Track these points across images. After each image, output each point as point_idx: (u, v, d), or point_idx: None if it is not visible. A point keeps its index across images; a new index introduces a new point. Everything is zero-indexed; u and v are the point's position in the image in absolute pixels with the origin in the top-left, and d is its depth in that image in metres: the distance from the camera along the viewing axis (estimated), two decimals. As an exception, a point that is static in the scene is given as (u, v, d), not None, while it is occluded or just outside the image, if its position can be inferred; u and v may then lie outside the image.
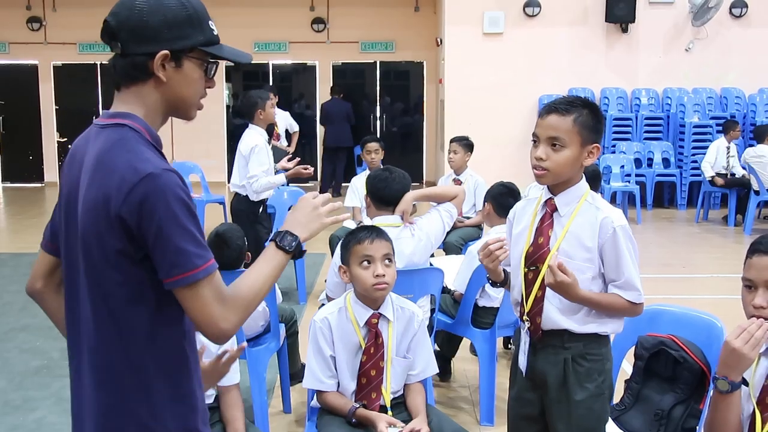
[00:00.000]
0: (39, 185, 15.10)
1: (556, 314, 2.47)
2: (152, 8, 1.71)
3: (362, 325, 2.83)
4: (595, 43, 12.28)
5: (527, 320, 2.52)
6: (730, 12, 12.15)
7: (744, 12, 12.13)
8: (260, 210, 5.87)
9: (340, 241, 3.09)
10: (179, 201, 1.62)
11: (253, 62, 15.30)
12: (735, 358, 2.11)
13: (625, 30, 12.17)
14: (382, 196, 3.65)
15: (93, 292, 1.68)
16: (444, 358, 4.65)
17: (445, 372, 4.69)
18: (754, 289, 2.22)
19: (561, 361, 2.50)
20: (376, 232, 2.91)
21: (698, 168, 10.58)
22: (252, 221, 5.70)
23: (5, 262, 8.31)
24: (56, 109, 15.12)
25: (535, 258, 2.50)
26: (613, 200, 10.92)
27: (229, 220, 9.70)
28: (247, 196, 5.76)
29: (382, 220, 3.59)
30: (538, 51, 12.13)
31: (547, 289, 2.45)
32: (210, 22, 1.80)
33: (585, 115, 2.43)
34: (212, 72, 1.82)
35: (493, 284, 2.69)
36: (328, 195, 1.99)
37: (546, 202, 2.53)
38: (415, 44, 14.66)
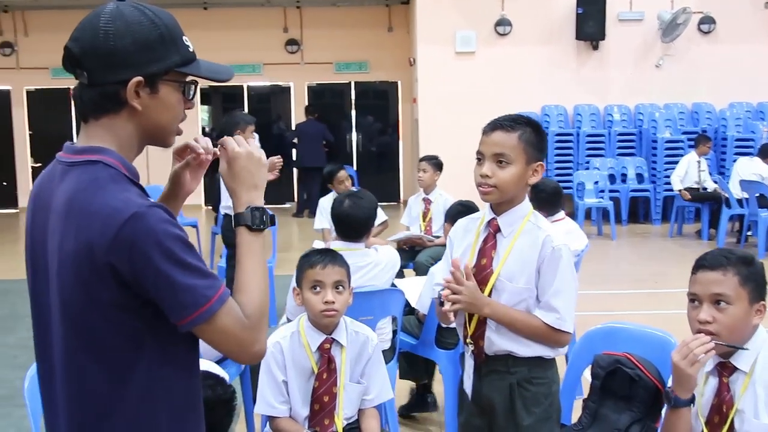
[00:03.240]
0: (13, 211, 14.96)
1: (499, 337, 2.45)
2: (119, 30, 1.53)
3: (315, 350, 2.80)
4: (566, 60, 12.37)
5: (471, 343, 2.50)
6: (699, 28, 12.29)
7: (712, 28, 12.27)
8: None
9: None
10: (171, 237, 1.48)
11: (228, 84, 15.31)
12: (677, 374, 2.11)
13: (595, 47, 12.27)
14: (344, 226, 3.64)
15: (74, 347, 1.54)
16: (425, 387, 4.55)
17: (424, 403, 4.56)
18: (699, 304, 2.23)
19: (507, 386, 2.48)
20: (330, 257, 2.87)
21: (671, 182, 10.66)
22: None
23: (-27, 290, 8.20)
24: (30, 134, 15.02)
25: (478, 280, 2.47)
26: (587, 216, 10.98)
27: (204, 243, 9.67)
28: None
29: (341, 245, 3.58)
30: (510, 69, 12.21)
31: None
32: (184, 37, 1.63)
33: (529, 132, 2.43)
34: (191, 93, 1.66)
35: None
36: (252, 140, 1.74)
37: (489, 222, 2.51)
38: (389, 64, 14.72)
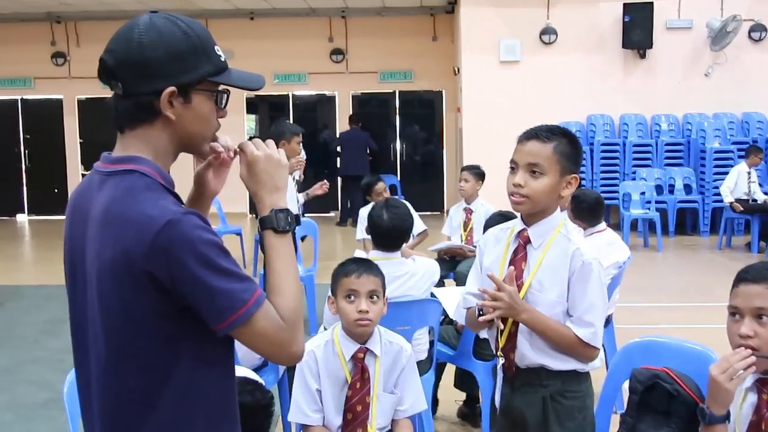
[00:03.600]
0: (63, 218, 15.24)
1: (530, 350, 2.42)
2: (153, 41, 1.55)
3: (348, 360, 2.79)
4: (612, 69, 12.23)
5: (501, 356, 2.47)
6: (749, 36, 12.05)
7: (763, 36, 12.03)
8: None
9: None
10: (206, 243, 1.50)
11: (273, 93, 15.40)
12: (714, 389, 2.06)
13: (642, 56, 12.12)
14: (382, 236, 3.65)
15: (113, 353, 1.57)
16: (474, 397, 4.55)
17: (474, 415, 4.57)
18: (740, 318, 2.18)
19: (539, 399, 2.45)
20: (365, 266, 2.87)
21: (720, 194, 10.46)
22: None
23: (24, 293, 8.39)
24: (81, 142, 15.34)
25: None
26: (633, 227, 10.81)
27: (248, 251, 9.75)
28: None
29: (378, 254, 3.58)
30: (556, 78, 12.11)
31: (521, 324, 2.41)
32: (215, 47, 1.65)
33: (565, 144, 2.40)
34: (224, 102, 1.67)
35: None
36: (270, 142, 1.74)
37: (519, 233, 2.48)
38: (433, 73, 14.71)
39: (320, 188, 6.69)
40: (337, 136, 14.42)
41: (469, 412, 4.58)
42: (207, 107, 1.64)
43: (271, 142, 1.73)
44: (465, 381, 4.43)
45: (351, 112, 14.58)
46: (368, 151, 13.48)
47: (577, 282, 2.38)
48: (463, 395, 4.62)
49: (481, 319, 2.43)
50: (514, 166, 2.43)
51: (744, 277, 2.21)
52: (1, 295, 8.19)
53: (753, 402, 2.16)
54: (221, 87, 1.67)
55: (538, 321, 2.39)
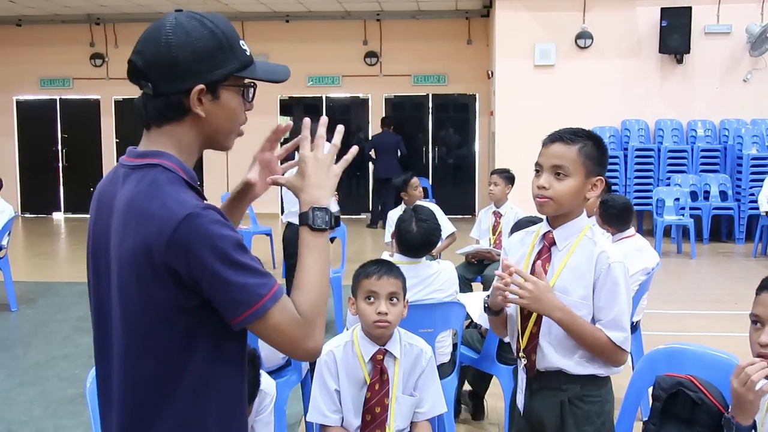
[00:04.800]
0: (99, 216, 15.48)
1: (551, 352, 2.40)
2: (181, 41, 1.57)
3: (368, 361, 2.79)
4: (648, 74, 12.10)
5: (523, 357, 2.45)
6: (790, 41, 11.85)
7: (804, 41, 11.81)
8: None
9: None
10: (224, 238, 1.51)
11: (307, 96, 15.42)
12: (738, 400, 2.03)
13: (680, 61, 11.97)
14: (407, 244, 3.63)
15: (131, 345, 1.58)
16: (476, 395, 4.58)
17: (477, 410, 4.61)
18: (761, 326, 2.14)
19: (558, 403, 2.42)
20: (386, 268, 2.84)
21: (757, 201, 10.28)
22: None
23: (58, 290, 8.50)
24: (117, 142, 15.55)
25: None
26: (667, 234, 10.67)
27: (278, 252, 9.79)
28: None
29: (402, 258, 3.57)
30: (591, 83, 12.01)
31: (542, 325, 2.38)
32: (240, 42, 1.66)
33: (590, 146, 2.37)
34: (251, 95, 1.68)
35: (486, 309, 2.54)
36: (331, 145, 1.75)
37: (544, 235, 2.46)
38: (467, 77, 14.69)
39: None
40: (369, 139, 14.44)
41: (472, 403, 4.59)
42: (235, 102, 1.66)
43: (328, 145, 1.73)
44: (484, 379, 4.45)
45: (384, 115, 14.59)
46: (399, 154, 13.46)
47: (604, 285, 2.35)
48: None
49: (500, 299, 2.38)
50: (538, 169, 2.41)
51: (766, 285, 2.17)
52: (36, 292, 8.33)
53: (778, 411, 2.12)
54: (247, 81, 1.69)
55: (573, 321, 2.34)
